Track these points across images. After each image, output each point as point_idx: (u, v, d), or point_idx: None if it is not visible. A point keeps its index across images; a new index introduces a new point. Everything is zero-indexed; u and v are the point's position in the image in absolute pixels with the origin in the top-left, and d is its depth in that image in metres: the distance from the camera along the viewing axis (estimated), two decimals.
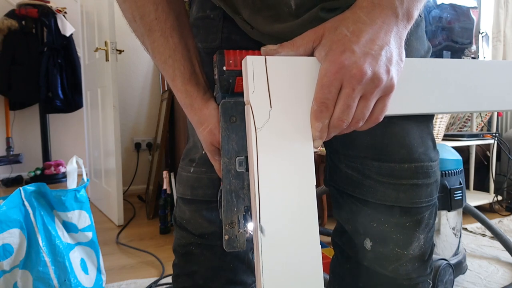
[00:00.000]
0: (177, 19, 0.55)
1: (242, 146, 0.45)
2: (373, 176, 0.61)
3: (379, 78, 0.41)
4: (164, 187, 1.99)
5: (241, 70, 0.44)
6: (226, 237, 0.45)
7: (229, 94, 0.48)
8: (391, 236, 0.62)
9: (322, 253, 0.44)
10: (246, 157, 0.45)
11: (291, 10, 0.55)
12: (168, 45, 0.54)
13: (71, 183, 1.15)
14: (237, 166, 0.45)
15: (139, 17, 0.53)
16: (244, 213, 0.45)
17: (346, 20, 0.43)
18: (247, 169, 0.45)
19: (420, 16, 0.63)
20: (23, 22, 2.93)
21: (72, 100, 3.08)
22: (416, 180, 0.61)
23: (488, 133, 2.23)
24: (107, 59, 2.09)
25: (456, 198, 1.31)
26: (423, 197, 0.61)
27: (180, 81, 0.54)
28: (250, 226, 0.45)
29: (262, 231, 0.40)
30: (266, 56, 0.41)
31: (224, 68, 0.45)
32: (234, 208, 0.45)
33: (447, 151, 1.36)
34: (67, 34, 3.01)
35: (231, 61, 0.45)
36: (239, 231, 0.45)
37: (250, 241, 0.45)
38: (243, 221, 0.46)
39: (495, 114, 2.44)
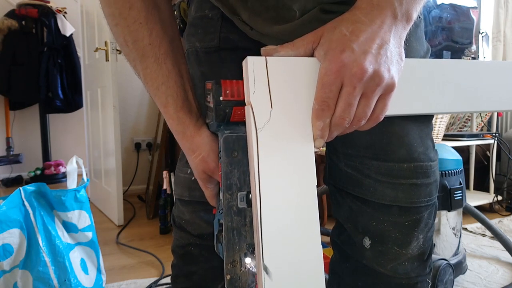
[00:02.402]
0: (171, 44, 0.54)
1: (244, 181, 0.44)
2: (372, 175, 0.61)
3: (380, 76, 0.41)
4: (164, 187, 1.99)
5: (238, 101, 0.44)
6: (228, 276, 0.44)
7: (224, 123, 0.47)
8: (390, 235, 0.63)
9: (323, 253, 0.44)
10: (248, 192, 0.44)
11: (294, 14, 0.55)
12: (161, 72, 0.52)
13: (71, 183, 1.15)
14: (238, 202, 0.44)
15: (131, 41, 0.52)
16: (246, 251, 0.44)
17: (345, 21, 0.43)
18: (249, 205, 0.44)
19: (419, 17, 0.63)
20: (23, 22, 2.93)
21: (72, 100, 3.08)
22: (415, 180, 0.61)
23: (488, 133, 2.23)
24: (107, 59, 2.09)
25: (456, 198, 1.31)
26: (422, 197, 0.61)
27: (172, 108, 0.53)
28: (248, 260, 0.44)
29: (262, 229, 0.40)
30: (267, 57, 0.41)
31: (221, 98, 0.45)
32: (236, 247, 0.44)
33: (447, 151, 1.36)
34: (67, 34, 3.01)
35: (228, 91, 0.45)
36: (241, 270, 0.44)
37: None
38: (244, 258, 0.44)
39: (495, 114, 2.44)
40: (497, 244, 1.68)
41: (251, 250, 0.44)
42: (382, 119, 0.46)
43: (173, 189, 0.91)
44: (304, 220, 0.41)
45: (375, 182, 0.61)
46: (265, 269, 0.39)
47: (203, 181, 0.55)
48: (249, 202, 0.44)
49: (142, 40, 0.52)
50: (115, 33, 0.54)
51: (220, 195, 0.47)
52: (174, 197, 0.80)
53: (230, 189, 0.44)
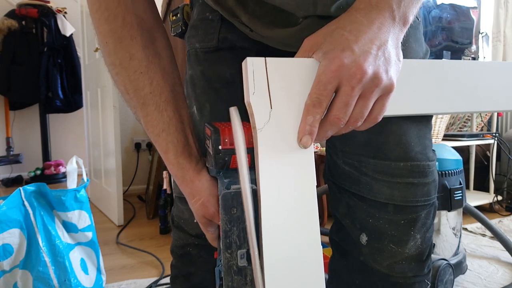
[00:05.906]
0: (172, 91, 0.54)
1: (244, 238, 0.43)
2: (369, 173, 0.62)
3: (379, 77, 0.41)
4: (164, 187, 1.99)
5: None
6: None
7: (223, 170, 0.48)
8: (386, 232, 0.63)
9: (322, 253, 0.44)
10: (248, 250, 0.43)
11: (294, 19, 0.55)
12: (162, 119, 0.53)
13: (71, 183, 1.15)
14: (238, 261, 0.43)
15: (132, 90, 0.52)
16: None
17: (342, 22, 0.43)
18: (249, 263, 0.43)
19: (418, 19, 0.63)
20: (23, 22, 2.94)
21: (72, 100, 3.09)
22: (412, 179, 0.61)
23: (488, 133, 2.23)
24: None
25: (456, 198, 1.31)
26: (418, 196, 0.62)
27: (172, 154, 0.54)
28: None
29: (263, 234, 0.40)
30: (266, 58, 0.41)
31: (220, 147, 0.45)
32: None
33: (447, 151, 1.36)
34: (67, 34, 3.02)
35: (226, 140, 0.45)
36: None
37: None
38: None
39: (495, 114, 2.44)
40: (497, 244, 1.68)
41: None
42: (379, 120, 0.45)
43: (172, 187, 0.90)
44: (303, 220, 0.41)
45: (372, 180, 0.62)
46: None
47: (203, 225, 0.56)
48: (249, 260, 0.43)
49: (143, 89, 0.52)
50: (116, 81, 0.54)
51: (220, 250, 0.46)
52: (174, 196, 0.80)
53: (229, 248, 0.43)
